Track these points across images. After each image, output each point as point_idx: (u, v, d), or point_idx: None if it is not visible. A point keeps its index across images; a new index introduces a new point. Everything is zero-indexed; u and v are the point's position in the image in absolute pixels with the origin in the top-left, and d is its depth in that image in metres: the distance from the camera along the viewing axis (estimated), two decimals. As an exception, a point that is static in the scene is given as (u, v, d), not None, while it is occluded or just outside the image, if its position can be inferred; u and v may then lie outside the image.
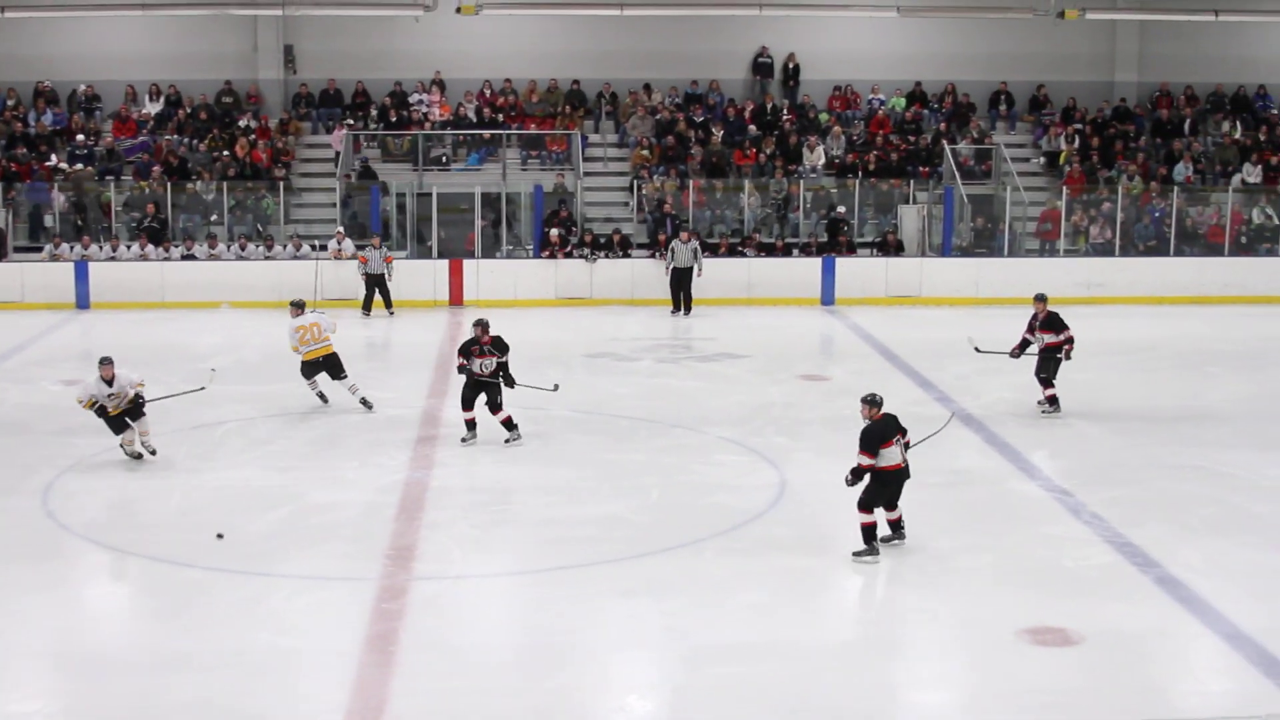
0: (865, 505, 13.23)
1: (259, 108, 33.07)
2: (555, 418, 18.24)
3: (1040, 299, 19.18)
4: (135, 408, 16.20)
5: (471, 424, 17.44)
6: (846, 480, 13.37)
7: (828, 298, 28.82)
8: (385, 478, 15.97)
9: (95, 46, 33.06)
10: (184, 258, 28.78)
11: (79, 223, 30.08)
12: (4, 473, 16.29)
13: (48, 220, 30.43)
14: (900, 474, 13.32)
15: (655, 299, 27.80)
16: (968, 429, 18.05)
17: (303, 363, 19.23)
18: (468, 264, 28.60)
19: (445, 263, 28.61)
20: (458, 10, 29.37)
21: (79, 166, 30.98)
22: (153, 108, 32.96)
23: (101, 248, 28.97)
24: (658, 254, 28.40)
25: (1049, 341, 18.89)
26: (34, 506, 14.97)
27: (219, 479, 15.81)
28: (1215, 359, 23.44)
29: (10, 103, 32.62)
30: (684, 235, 27.55)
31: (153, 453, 16.36)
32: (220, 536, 12.17)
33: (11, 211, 30.42)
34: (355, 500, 15.17)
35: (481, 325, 17.30)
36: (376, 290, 27.02)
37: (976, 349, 19.60)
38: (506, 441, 17.36)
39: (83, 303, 28.01)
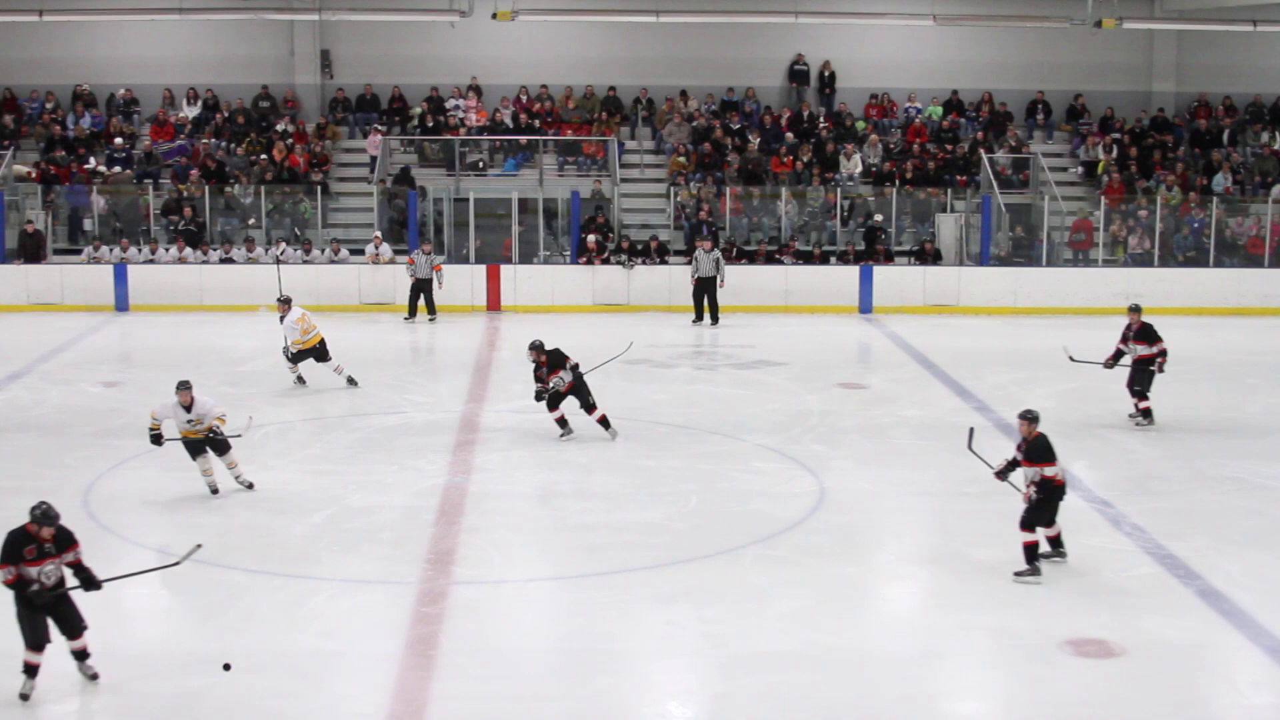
0: (1028, 524, 13.03)
1: (296, 112, 33.18)
2: (593, 424, 18.23)
3: (1134, 310, 18.97)
4: (219, 441, 15.21)
5: (563, 420, 18.02)
6: (997, 474, 13.41)
7: (865, 306, 28.77)
8: (424, 482, 16.01)
9: (133, 50, 33.22)
10: (222, 261, 28.89)
11: (117, 225, 30.21)
12: (45, 474, 16.35)
13: (87, 223, 30.56)
14: (1063, 489, 13.20)
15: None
16: (1008, 439, 17.97)
17: (297, 351, 20.44)
18: (505, 269, 28.64)
19: (483, 268, 28.65)
20: (493, 16, 29.39)
21: (117, 169, 31.12)
22: (190, 111, 33.10)
23: (140, 250, 29.10)
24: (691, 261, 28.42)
25: (1141, 354, 18.72)
26: (75, 507, 14.98)
27: (259, 482, 15.83)
28: (1255, 371, 23.32)
29: (49, 106, 32.79)
30: (705, 244, 27.50)
31: (249, 486, 15.51)
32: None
33: (51, 214, 30.57)
34: (395, 504, 15.22)
35: (535, 349, 17.86)
36: (421, 295, 27.02)
37: (1071, 358, 19.36)
38: (613, 436, 18.00)
39: (121, 305, 28.13)
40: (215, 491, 15.29)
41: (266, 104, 33.22)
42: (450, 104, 33.05)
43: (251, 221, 30.49)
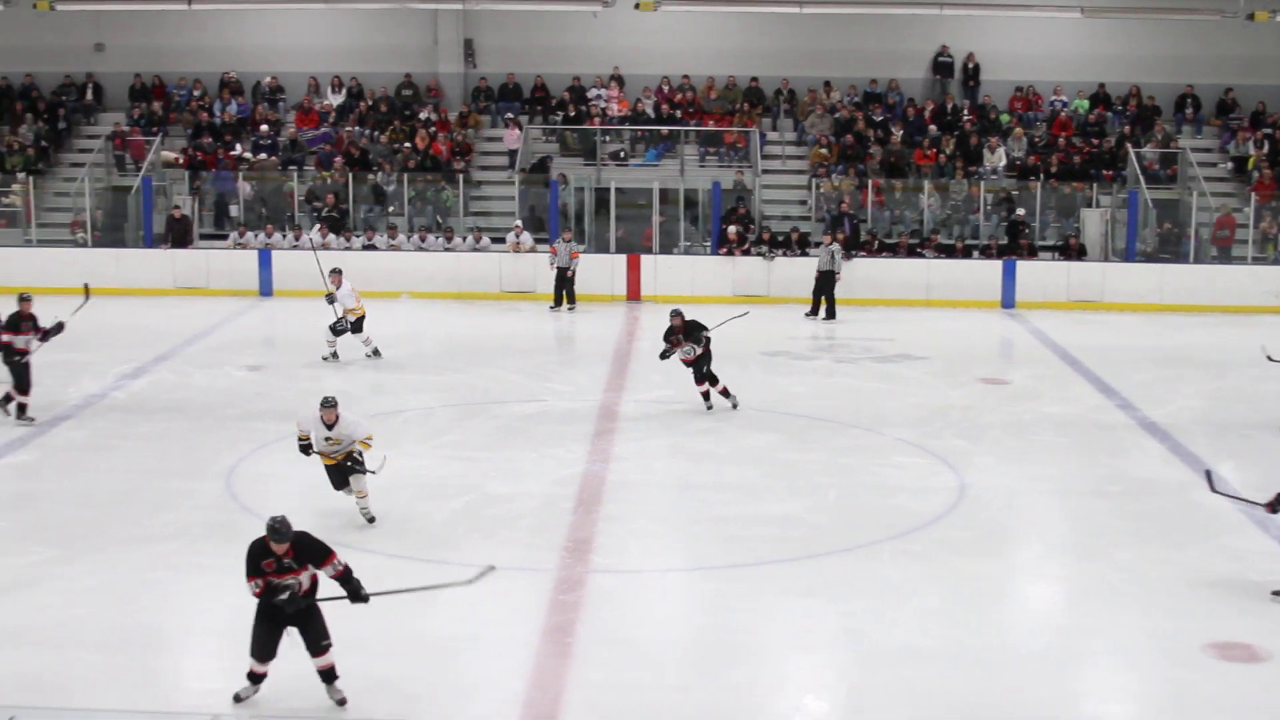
0: None
1: (439, 100, 33.40)
2: (733, 415, 18.17)
3: None
4: (355, 464, 13.96)
5: (706, 395, 18.55)
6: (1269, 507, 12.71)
7: (1008, 301, 28.43)
8: (563, 470, 16.03)
9: (279, 39, 33.64)
10: (364, 248, 29.15)
11: (262, 211, 30.61)
12: (190, 456, 16.61)
13: (232, 209, 31.03)
14: None
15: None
16: (1152, 438, 17.69)
17: (353, 320, 21.64)
18: (645, 259, 28.64)
19: (623, 258, 28.67)
20: (636, 6, 29.40)
21: (263, 156, 31.53)
22: (335, 99, 33.45)
23: (285, 236, 29.46)
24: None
25: None
26: (218, 489, 15.25)
27: (399, 467, 15.89)
28: None
29: (197, 93, 33.28)
30: (826, 237, 27.31)
31: (371, 520, 14.17)
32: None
33: (197, 200, 31.06)
34: (533, 492, 15.26)
35: (678, 314, 18.39)
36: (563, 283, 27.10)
37: (1270, 358, 18.93)
38: (735, 407, 18.49)
39: (266, 290, 28.50)
40: (372, 520, 14.11)
41: (410, 92, 33.48)
42: (592, 94, 33.11)
43: (393, 209, 30.75)
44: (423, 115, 32.52)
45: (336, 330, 21.53)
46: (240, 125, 32.65)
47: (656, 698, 10.39)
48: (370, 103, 33.02)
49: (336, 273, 21.67)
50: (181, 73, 33.70)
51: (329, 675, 10.23)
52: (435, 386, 20.17)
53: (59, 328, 18.06)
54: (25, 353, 17.81)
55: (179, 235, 29.57)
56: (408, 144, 31.47)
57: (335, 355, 21.64)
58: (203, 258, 29.22)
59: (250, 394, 19.72)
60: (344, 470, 13.92)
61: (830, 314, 26.83)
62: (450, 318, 24.96)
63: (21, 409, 17.91)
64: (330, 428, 13.80)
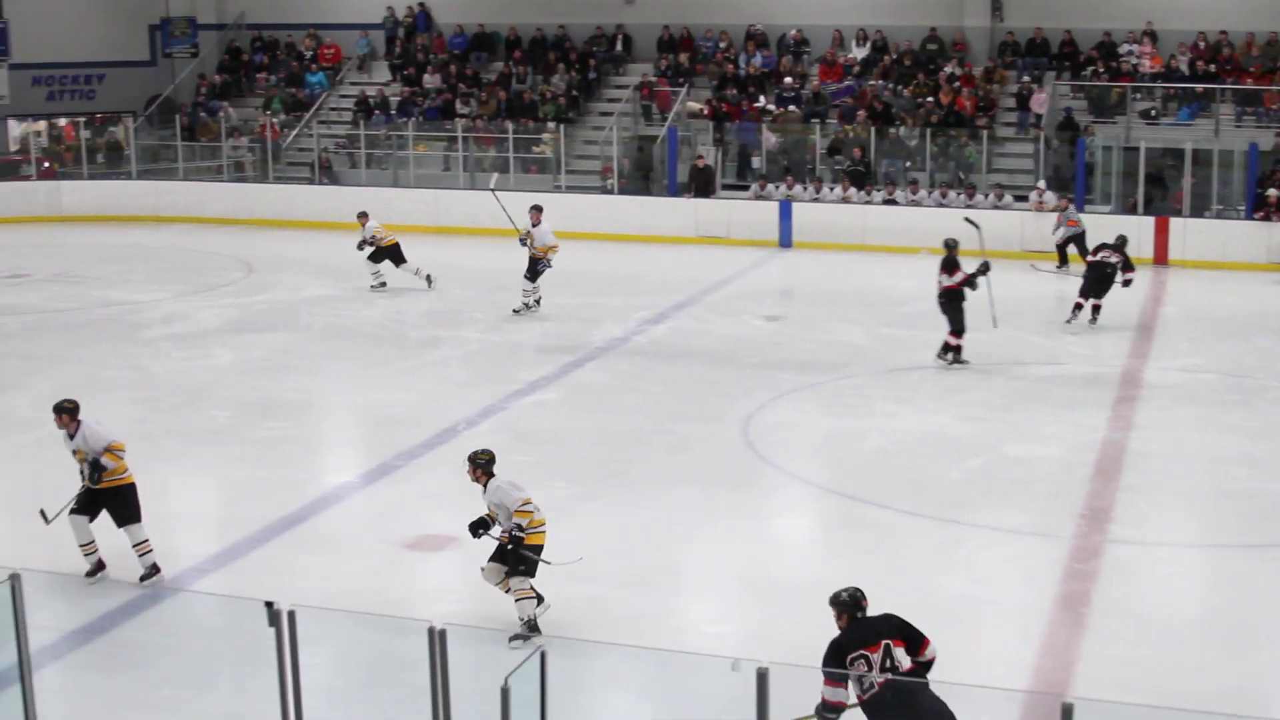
0: None
1: (964, 55, 32.98)
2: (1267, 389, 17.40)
3: None
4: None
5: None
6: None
7: None
8: (1081, 435, 15.62)
9: (809, -9, 33.94)
10: (885, 202, 29.12)
11: (784, 164, 30.94)
12: (710, 401, 16.98)
13: (755, 160, 31.46)
14: None
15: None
16: None
17: (387, 248, 23.25)
18: (1174, 223, 27.53)
19: (1150, 220, 27.67)
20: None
21: (786, 109, 31.83)
22: (859, 53, 33.45)
23: (805, 189, 29.69)
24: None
25: None
26: (735, 435, 15.52)
27: (914, 424, 15.93)
28: None
29: (723, 45, 33.86)
30: None
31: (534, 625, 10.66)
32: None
33: (720, 150, 31.62)
34: (1050, 456, 14.95)
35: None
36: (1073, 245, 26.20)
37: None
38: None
39: (785, 241, 28.78)
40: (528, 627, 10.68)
41: (934, 46, 33.18)
42: (1123, 49, 32.07)
43: (910, 164, 30.58)
44: (947, 70, 32.19)
45: (538, 272, 21.49)
46: (765, 77, 33.05)
47: (1172, 677, 10.05)
48: (894, 56, 32.90)
49: (538, 209, 21.53)
50: (709, 25, 34.32)
51: None
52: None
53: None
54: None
55: (701, 185, 30.18)
56: (930, 99, 31.23)
57: (538, 302, 21.65)
58: (724, 207, 29.75)
59: (768, 343, 19.97)
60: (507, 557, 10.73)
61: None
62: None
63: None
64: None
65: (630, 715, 9.77)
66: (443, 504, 13.17)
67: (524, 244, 21.52)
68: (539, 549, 10.61)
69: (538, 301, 21.72)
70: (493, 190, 23.03)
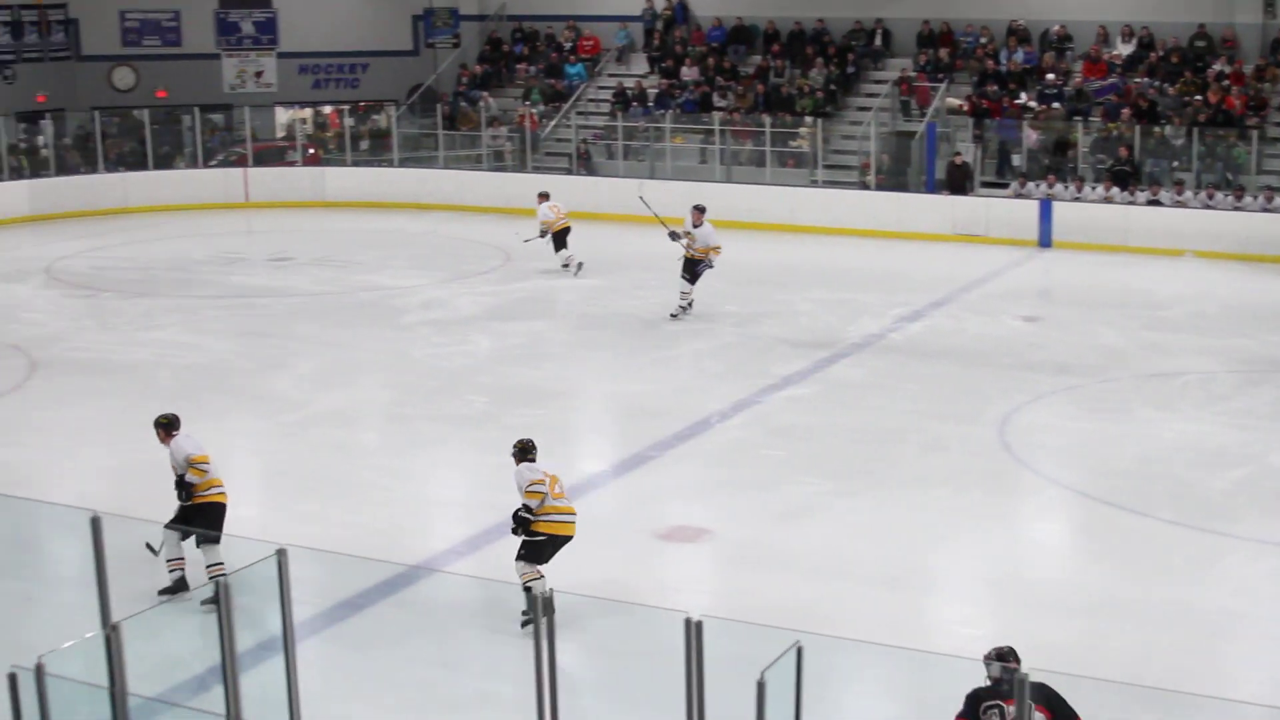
0: None
1: (1234, 52, 32.06)
2: None
3: None
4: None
5: None
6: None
7: None
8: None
9: (1070, -13, 33.38)
10: (1149, 203, 28.45)
11: (1045, 162, 30.43)
12: (964, 400, 16.78)
13: (1015, 158, 30.98)
14: None
15: None
16: None
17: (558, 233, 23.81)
18: None
19: None
20: None
21: (1049, 106, 31.31)
22: (1124, 49, 32.74)
23: (1067, 187, 29.17)
24: None
25: None
26: (991, 437, 15.33)
27: (1176, 430, 15.56)
28: None
29: (984, 40, 33.40)
30: None
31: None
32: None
33: (980, 147, 31.20)
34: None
35: None
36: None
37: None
38: None
39: (1044, 240, 28.27)
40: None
41: (1203, 43, 32.33)
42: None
43: (1176, 164, 29.84)
44: (1216, 67, 31.36)
45: (697, 274, 20.84)
46: (1026, 73, 32.52)
47: None
48: (1161, 53, 32.13)
49: (700, 209, 20.89)
50: (970, 19, 33.88)
51: None
52: (1216, 350, 19.26)
53: None
54: None
55: (958, 182, 29.83)
56: (1198, 97, 30.45)
57: (691, 305, 21.00)
58: (982, 205, 29.33)
59: (1025, 344, 19.66)
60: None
61: None
62: (1236, 280, 23.89)
63: None
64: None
65: (880, 714, 9.74)
66: (696, 495, 13.24)
67: (674, 239, 21.00)
68: (555, 539, 10.73)
69: (691, 304, 21.14)
70: (641, 199, 23.07)
